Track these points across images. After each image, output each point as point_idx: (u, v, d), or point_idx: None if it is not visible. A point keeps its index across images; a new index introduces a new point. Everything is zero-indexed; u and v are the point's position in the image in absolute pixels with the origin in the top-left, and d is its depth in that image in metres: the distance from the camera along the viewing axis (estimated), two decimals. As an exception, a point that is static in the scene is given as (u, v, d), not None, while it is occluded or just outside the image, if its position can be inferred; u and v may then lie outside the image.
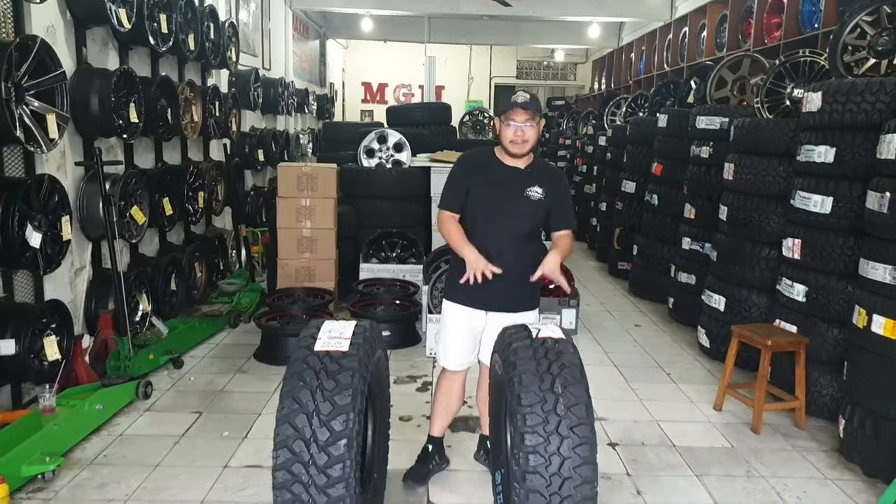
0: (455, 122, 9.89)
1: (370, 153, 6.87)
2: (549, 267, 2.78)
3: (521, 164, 2.91)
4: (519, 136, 2.81)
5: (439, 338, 3.13)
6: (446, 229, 2.92)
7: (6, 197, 3.14)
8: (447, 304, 3.05)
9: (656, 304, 6.34)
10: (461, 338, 3.02)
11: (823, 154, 3.75)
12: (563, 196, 2.98)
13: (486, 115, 10.69)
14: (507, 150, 2.87)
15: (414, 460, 3.19)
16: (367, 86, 16.83)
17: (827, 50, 4.42)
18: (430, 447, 3.21)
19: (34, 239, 3.32)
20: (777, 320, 4.07)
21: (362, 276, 5.77)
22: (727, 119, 5.22)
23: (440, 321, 3.14)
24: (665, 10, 10.07)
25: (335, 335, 2.37)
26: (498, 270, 2.76)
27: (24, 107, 3.27)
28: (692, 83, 6.91)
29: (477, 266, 2.74)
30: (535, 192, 2.86)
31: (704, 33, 8.11)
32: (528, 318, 2.94)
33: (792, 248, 4.00)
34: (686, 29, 8.74)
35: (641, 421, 3.87)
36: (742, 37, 7.19)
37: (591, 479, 2.19)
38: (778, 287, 4.14)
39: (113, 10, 4.18)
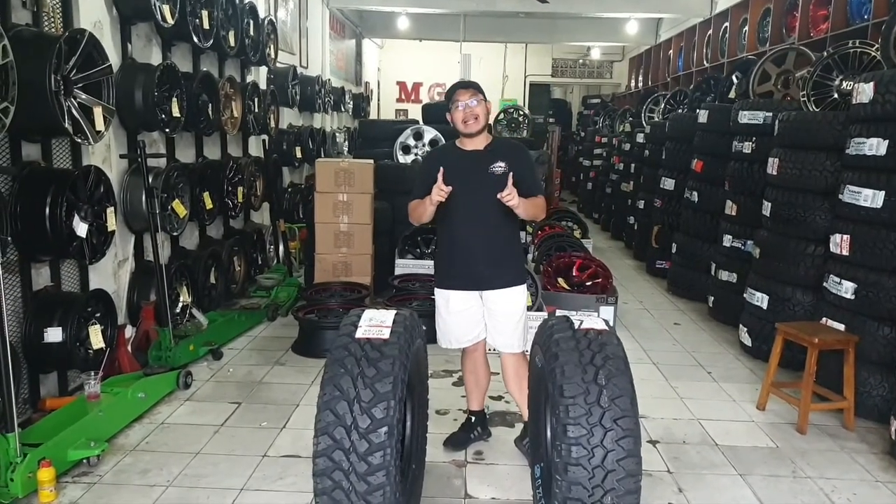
0: (490, 119, 9.84)
1: (406, 150, 6.89)
2: (516, 198, 2.80)
3: (480, 145, 3.04)
4: (469, 112, 2.95)
5: (437, 324, 3.21)
6: (411, 210, 3.04)
7: (55, 187, 3.22)
8: (438, 292, 3.15)
9: (695, 302, 6.22)
10: (460, 321, 3.11)
11: (875, 147, 3.63)
12: (525, 166, 3.06)
13: (521, 112, 10.64)
14: (463, 131, 3.00)
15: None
16: (401, 85, 16.88)
17: (879, 41, 4.27)
18: (473, 419, 3.36)
19: (81, 229, 3.39)
20: (824, 318, 3.95)
21: (398, 271, 5.77)
22: (771, 113, 5.09)
23: (436, 309, 3.22)
24: (705, 6, 9.89)
25: (376, 323, 2.37)
26: (446, 188, 2.83)
27: (73, 99, 3.34)
28: (734, 78, 6.75)
29: (435, 194, 2.84)
30: (499, 166, 2.96)
31: (746, 28, 7.93)
32: (519, 292, 3.07)
33: (840, 244, 3.88)
34: (727, 24, 8.56)
35: (682, 419, 3.80)
36: (786, 30, 7.01)
37: (634, 472, 2.15)
38: (825, 284, 4.01)
39: (157, 6, 4.27)
